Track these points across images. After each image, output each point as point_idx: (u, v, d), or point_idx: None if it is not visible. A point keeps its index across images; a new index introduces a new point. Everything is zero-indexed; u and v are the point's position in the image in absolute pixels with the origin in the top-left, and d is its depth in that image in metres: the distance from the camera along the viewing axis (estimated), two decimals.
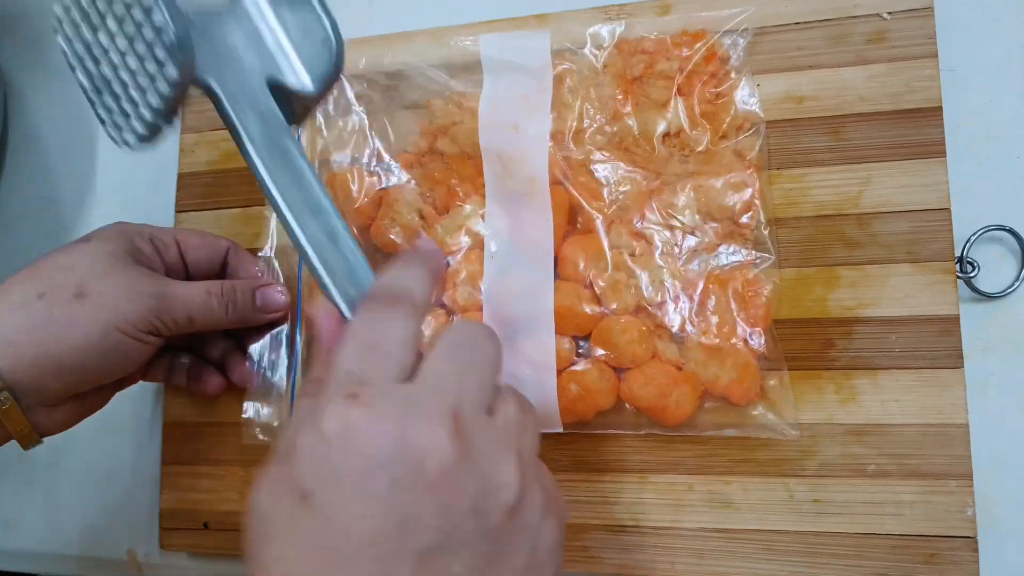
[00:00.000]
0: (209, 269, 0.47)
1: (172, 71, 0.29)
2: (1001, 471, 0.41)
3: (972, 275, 0.41)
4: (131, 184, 0.57)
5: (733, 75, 0.44)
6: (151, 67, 0.29)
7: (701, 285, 0.42)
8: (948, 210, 0.41)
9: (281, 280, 0.49)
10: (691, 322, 0.42)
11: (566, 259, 0.44)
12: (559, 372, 0.42)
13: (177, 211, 0.53)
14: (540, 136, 0.45)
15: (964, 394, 0.40)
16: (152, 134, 0.31)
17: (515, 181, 0.45)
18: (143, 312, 0.40)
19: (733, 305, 0.42)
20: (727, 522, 0.42)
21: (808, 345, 0.42)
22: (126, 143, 0.32)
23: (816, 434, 0.41)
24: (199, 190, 0.52)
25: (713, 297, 0.42)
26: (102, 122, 0.33)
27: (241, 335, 0.49)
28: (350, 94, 0.49)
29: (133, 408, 0.53)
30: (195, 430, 0.50)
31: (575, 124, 0.45)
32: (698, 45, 0.44)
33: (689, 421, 0.42)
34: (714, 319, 0.42)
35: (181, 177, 0.53)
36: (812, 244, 0.42)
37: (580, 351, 0.44)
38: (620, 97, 0.45)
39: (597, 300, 0.43)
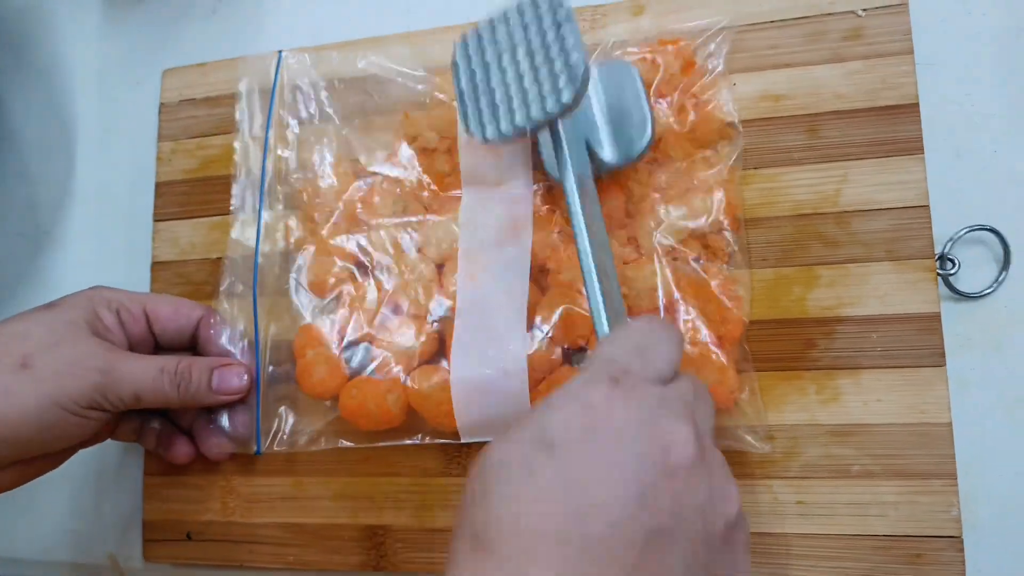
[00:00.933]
0: (179, 340, 0.46)
1: (568, 96, 0.36)
2: (984, 469, 0.40)
3: (952, 272, 0.41)
4: (110, 188, 0.57)
5: (710, 81, 0.43)
6: (547, 89, 0.36)
7: (675, 294, 0.42)
8: (927, 207, 0.41)
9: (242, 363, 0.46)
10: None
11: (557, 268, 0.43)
12: (541, 380, 0.42)
13: (155, 220, 0.53)
14: (523, 156, 0.44)
15: (947, 392, 0.39)
16: (510, 136, 0.38)
17: (495, 191, 0.44)
18: (85, 388, 0.39)
19: (702, 315, 0.41)
20: None
21: (788, 346, 0.42)
22: (484, 137, 0.39)
23: (798, 435, 0.41)
24: (176, 199, 0.52)
25: (684, 306, 0.41)
26: (464, 117, 0.40)
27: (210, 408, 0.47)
28: (324, 97, 0.49)
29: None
30: None
31: None
32: (671, 48, 0.44)
33: None
34: (687, 327, 0.41)
35: (159, 186, 0.53)
36: (790, 244, 0.42)
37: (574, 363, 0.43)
38: None
39: None
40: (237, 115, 0.51)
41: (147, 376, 0.41)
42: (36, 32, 0.61)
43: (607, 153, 0.41)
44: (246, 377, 0.45)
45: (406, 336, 0.44)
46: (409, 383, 0.43)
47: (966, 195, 0.42)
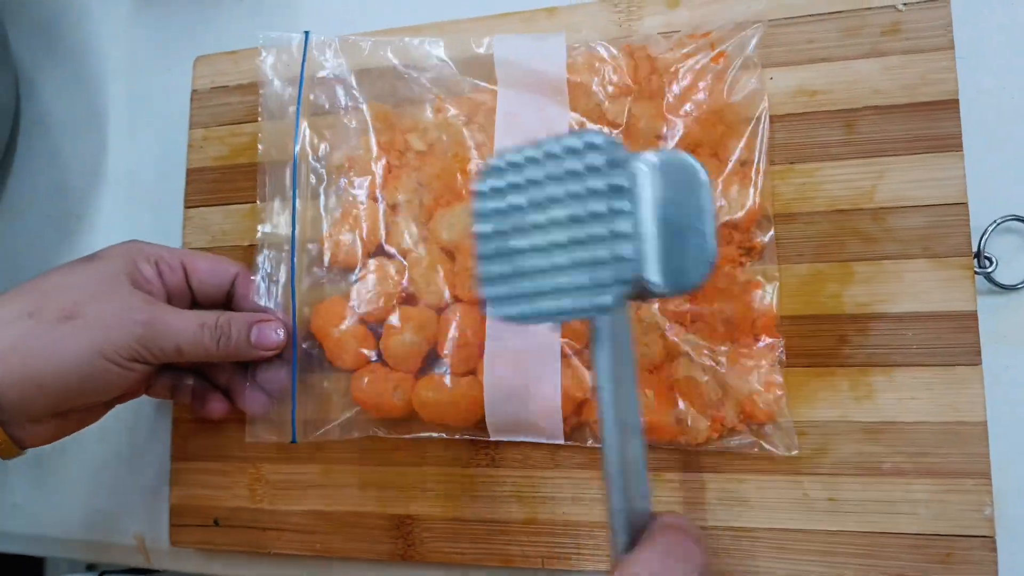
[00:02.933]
0: (216, 295, 0.46)
1: (614, 298, 0.29)
2: (1017, 467, 0.40)
3: (990, 271, 0.41)
4: (140, 171, 0.57)
5: (743, 73, 0.43)
6: (594, 277, 0.30)
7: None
8: (965, 204, 0.40)
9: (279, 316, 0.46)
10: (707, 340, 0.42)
11: None
12: (586, 402, 0.42)
13: (186, 207, 0.53)
14: None
15: (982, 391, 0.39)
16: (538, 322, 0.32)
17: None
18: (128, 339, 0.39)
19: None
20: (740, 520, 0.41)
21: (822, 342, 0.41)
22: (505, 315, 0.32)
23: (830, 432, 0.41)
24: (207, 186, 0.52)
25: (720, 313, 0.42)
26: (481, 279, 0.33)
27: (249, 363, 0.47)
28: (354, 89, 0.49)
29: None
30: (204, 426, 0.50)
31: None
32: (701, 43, 0.43)
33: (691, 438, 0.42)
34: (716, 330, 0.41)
35: (189, 173, 0.53)
36: (826, 239, 0.42)
37: None
38: (628, 99, 0.44)
39: None
40: (261, 100, 0.50)
41: (188, 330, 0.41)
42: (68, 17, 0.61)
43: (653, 277, 0.30)
44: (283, 332, 0.45)
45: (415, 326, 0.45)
46: (416, 389, 0.45)
47: (1003, 188, 0.42)
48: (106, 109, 0.59)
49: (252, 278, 0.47)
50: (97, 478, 0.54)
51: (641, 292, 0.31)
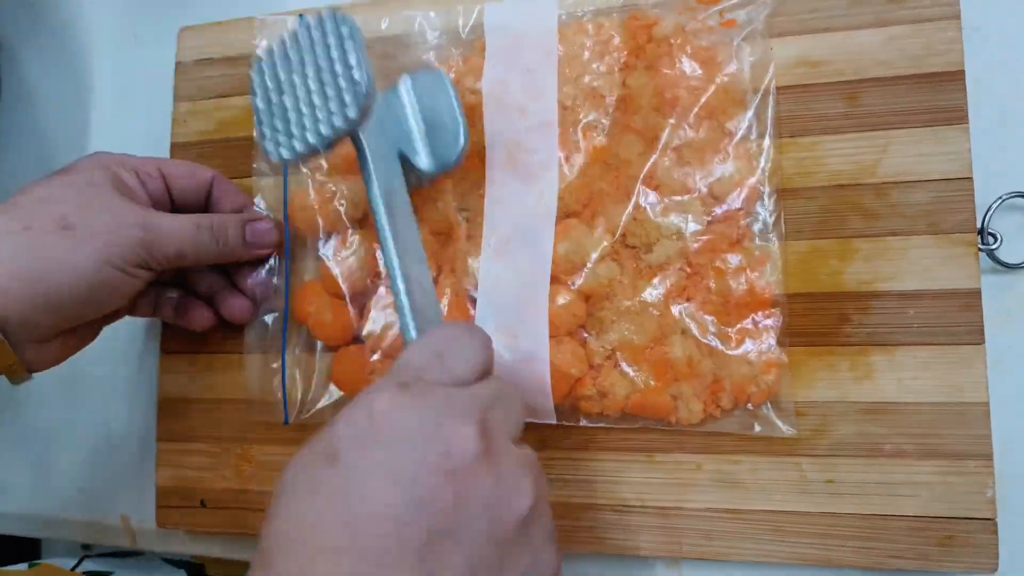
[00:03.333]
0: (195, 200, 0.45)
1: (353, 113, 0.36)
2: (1020, 449, 0.39)
3: (994, 247, 0.40)
4: (124, 146, 0.55)
5: (748, 43, 0.42)
6: (334, 106, 0.36)
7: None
8: (970, 179, 0.39)
9: (269, 216, 0.47)
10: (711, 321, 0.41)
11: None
12: (580, 380, 0.41)
13: None
14: (548, 122, 0.43)
15: (985, 371, 0.38)
16: (307, 154, 0.38)
17: (520, 169, 0.43)
18: (133, 245, 0.38)
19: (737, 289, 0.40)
20: (735, 502, 0.40)
21: (821, 320, 0.40)
22: (280, 156, 0.38)
23: (829, 413, 0.40)
24: (192, 161, 0.51)
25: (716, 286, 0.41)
26: (262, 136, 0.39)
27: (230, 269, 0.47)
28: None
29: (127, 375, 0.53)
30: (190, 406, 0.49)
31: (575, 102, 0.43)
32: (712, 10, 0.42)
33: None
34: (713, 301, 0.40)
35: (174, 147, 0.52)
36: (827, 215, 0.41)
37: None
38: (622, 65, 0.43)
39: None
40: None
41: (186, 232, 0.41)
42: None
43: (423, 162, 0.41)
44: (274, 229, 0.45)
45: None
46: None
47: (1008, 165, 0.41)
48: (91, 83, 0.58)
49: (225, 181, 0.47)
50: (84, 458, 0.54)
51: (415, 172, 0.41)
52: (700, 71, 0.42)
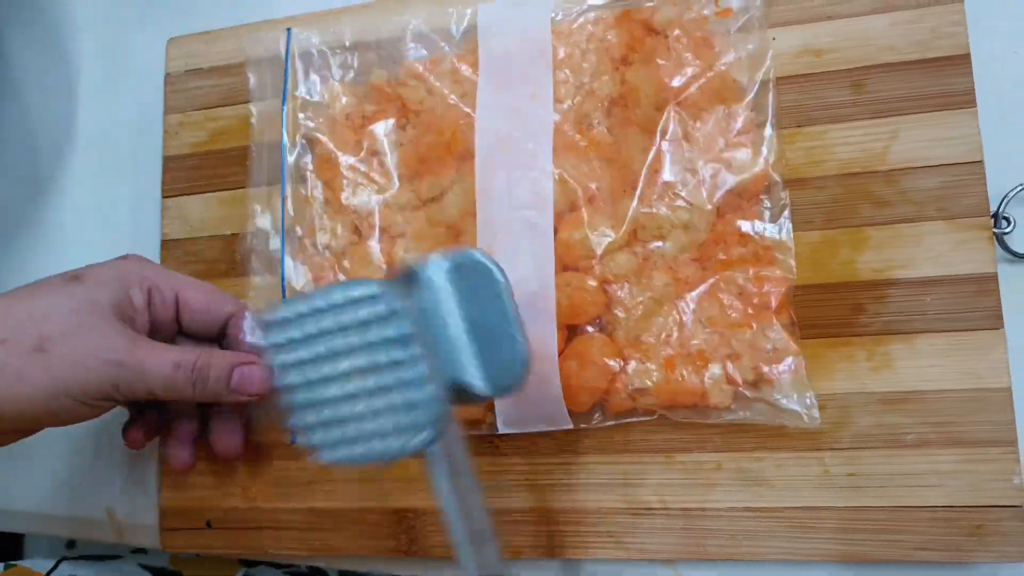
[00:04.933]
0: (205, 332, 0.43)
1: (426, 438, 0.32)
2: None
3: (1008, 231, 0.39)
4: (112, 135, 0.54)
5: (745, 32, 0.41)
6: (404, 420, 0.32)
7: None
8: (981, 163, 0.39)
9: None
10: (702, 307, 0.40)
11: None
12: (613, 379, 0.40)
13: (164, 196, 0.50)
14: (543, 121, 0.42)
15: (1005, 356, 0.38)
16: (349, 463, 0.33)
17: (515, 168, 0.42)
18: (100, 381, 0.37)
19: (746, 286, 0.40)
20: (759, 500, 0.40)
21: (836, 311, 0.40)
22: (332, 459, 0.33)
23: (849, 404, 0.39)
24: (185, 173, 0.50)
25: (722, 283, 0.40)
26: (292, 430, 0.35)
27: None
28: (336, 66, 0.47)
29: None
30: None
31: (574, 102, 0.43)
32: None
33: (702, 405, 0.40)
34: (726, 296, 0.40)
35: (167, 160, 0.50)
36: (837, 204, 0.40)
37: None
38: (619, 60, 0.42)
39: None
40: (251, 92, 0.48)
41: (163, 371, 0.38)
42: None
43: (479, 384, 0.33)
44: (268, 377, 0.39)
45: None
46: None
47: (1021, 152, 0.40)
48: (78, 66, 0.56)
49: (245, 317, 0.43)
50: (68, 453, 0.52)
51: (465, 396, 0.33)
52: (698, 61, 0.41)
